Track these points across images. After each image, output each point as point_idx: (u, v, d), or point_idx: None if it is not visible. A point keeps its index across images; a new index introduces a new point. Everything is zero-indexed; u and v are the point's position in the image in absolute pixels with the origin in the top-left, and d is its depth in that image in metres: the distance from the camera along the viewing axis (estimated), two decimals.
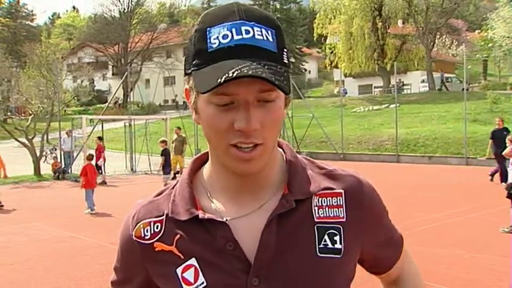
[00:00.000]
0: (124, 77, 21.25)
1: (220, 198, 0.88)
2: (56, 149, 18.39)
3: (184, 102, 37.47)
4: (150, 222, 0.91)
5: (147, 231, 0.90)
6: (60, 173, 15.81)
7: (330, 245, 0.85)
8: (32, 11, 55.13)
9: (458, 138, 17.93)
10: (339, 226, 0.87)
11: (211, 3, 45.62)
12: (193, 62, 0.80)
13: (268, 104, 0.79)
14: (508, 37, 28.78)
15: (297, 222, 0.85)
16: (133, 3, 44.46)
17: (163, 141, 12.38)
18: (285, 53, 0.81)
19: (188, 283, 0.85)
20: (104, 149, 15.37)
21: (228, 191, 0.88)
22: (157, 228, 0.90)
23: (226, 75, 0.73)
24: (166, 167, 11.69)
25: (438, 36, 37.47)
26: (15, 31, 48.10)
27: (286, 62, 0.81)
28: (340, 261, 0.86)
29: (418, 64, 34.74)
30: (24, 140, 15.82)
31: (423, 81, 34.17)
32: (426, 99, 27.85)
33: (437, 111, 23.54)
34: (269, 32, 0.79)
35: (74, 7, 75.07)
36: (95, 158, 14.62)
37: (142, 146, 18.20)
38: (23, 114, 21.52)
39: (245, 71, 0.73)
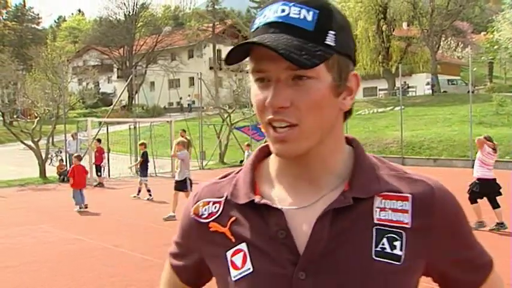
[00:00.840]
0: (129, 80, 21.33)
1: (279, 185, 0.88)
2: (61, 152, 18.47)
3: (189, 104, 37.66)
4: (209, 202, 0.92)
5: (205, 210, 0.92)
6: (66, 176, 15.85)
7: (388, 250, 0.80)
8: (38, 14, 55.54)
9: (464, 141, 17.86)
10: (401, 231, 0.81)
11: (215, 6, 45.70)
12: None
13: (302, 83, 0.78)
14: None
15: (354, 220, 0.82)
16: (138, 6, 44.65)
17: (143, 144, 12.26)
18: (330, 34, 0.79)
19: (236, 267, 0.85)
20: (104, 152, 15.41)
21: (286, 178, 0.87)
22: (215, 208, 0.91)
23: (236, 45, 0.77)
24: (144, 169, 11.57)
25: (443, 39, 37.38)
26: (21, 34, 48.43)
27: (332, 44, 0.79)
28: (399, 270, 0.80)
29: (423, 66, 34.67)
30: (30, 142, 15.91)
31: (428, 83, 34.10)
32: (431, 102, 27.77)
33: (442, 114, 23.47)
34: (310, 12, 0.79)
35: (79, 10, 75.39)
36: (94, 159, 14.69)
37: (147, 148, 18.25)
38: (28, 117, 21.61)
39: (254, 40, 0.76)
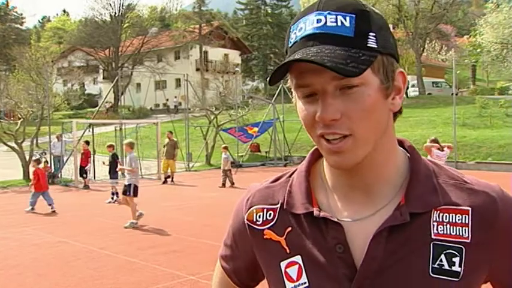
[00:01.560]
0: (115, 81, 21.15)
1: (335, 194, 0.86)
2: (45, 153, 18.23)
3: (175, 106, 37.51)
4: (263, 208, 0.90)
5: (259, 217, 0.90)
6: (50, 177, 15.68)
7: (447, 267, 0.78)
8: (21, 14, 54.84)
9: (448, 143, 18.10)
10: (461, 247, 0.78)
11: (202, 7, 45.61)
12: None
13: (351, 92, 0.75)
14: (496, 43, 29.15)
15: (411, 236, 0.79)
16: (124, 7, 44.33)
17: (110, 146, 12.14)
18: (371, 36, 0.77)
19: (291, 279, 0.84)
20: (91, 154, 15.27)
21: (342, 187, 0.85)
22: (269, 216, 0.89)
23: (279, 66, 0.75)
24: (113, 172, 11.45)
25: (428, 41, 37.88)
26: (4, 34, 47.68)
27: (374, 46, 0.76)
28: (457, 286, 0.77)
29: (408, 69, 35.08)
30: (13, 144, 15.68)
31: (413, 85, 34.50)
32: (416, 104, 28.11)
33: (427, 116, 23.77)
34: (347, 17, 0.76)
35: (64, 11, 74.60)
36: (80, 161, 14.53)
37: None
38: (12, 118, 21.31)
39: (297, 56, 0.74)
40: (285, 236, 0.86)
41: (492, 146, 17.37)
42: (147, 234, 7.78)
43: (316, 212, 0.83)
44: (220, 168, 14.17)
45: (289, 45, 0.80)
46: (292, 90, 0.81)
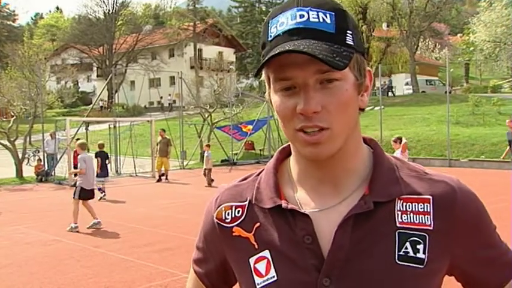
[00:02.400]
0: (109, 79, 21.05)
1: (302, 188, 0.87)
2: (39, 151, 18.14)
3: (169, 104, 37.39)
4: (232, 206, 0.92)
5: (228, 215, 0.91)
6: (44, 176, 15.61)
7: (412, 254, 0.80)
8: (13, 11, 54.61)
9: (442, 140, 18.20)
10: (424, 234, 0.81)
11: (196, 5, 45.48)
12: (261, 56, 0.82)
13: (331, 86, 0.78)
14: (489, 41, 29.32)
15: (376, 225, 0.81)
16: (118, 4, 44.13)
17: (100, 145, 12.01)
18: (349, 34, 0.80)
19: (260, 275, 0.84)
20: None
21: (309, 180, 0.87)
22: (238, 213, 0.90)
23: (270, 55, 0.75)
24: (102, 170, 11.23)
25: (422, 40, 38.05)
26: None
27: (351, 43, 0.80)
28: (422, 273, 0.80)
29: (402, 67, 35.19)
30: (6, 142, 15.57)
31: (407, 83, 34.62)
32: (410, 102, 28.22)
33: (421, 114, 23.86)
34: (327, 14, 0.79)
35: (57, 8, 74.06)
36: (73, 160, 14.42)
37: (127, 148, 18.07)
38: (4, 116, 21.15)
39: (287, 47, 0.74)
40: (253, 232, 0.87)
41: (485, 143, 17.48)
42: (141, 232, 7.75)
43: (284, 205, 0.85)
44: (215, 166, 14.12)
45: (269, 39, 0.81)
46: (270, 83, 0.82)
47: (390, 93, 32.36)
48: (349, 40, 0.80)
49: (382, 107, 21.63)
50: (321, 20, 0.78)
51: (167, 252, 6.34)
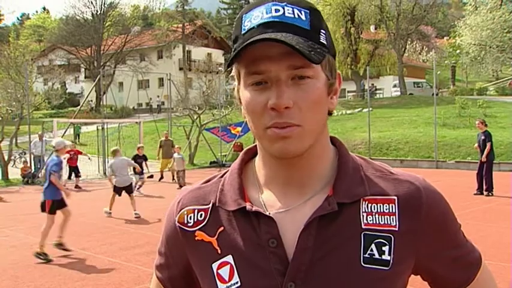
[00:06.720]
0: (97, 80, 20.91)
1: (268, 189, 0.85)
2: (25, 153, 17.92)
3: (158, 105, 37.21)
4: (194, 209, 0.89)
5: (190, 219, 0.88)
6: (30, 178, 15.43)
7: (377, 256, 0.79)
8: None
9: (429, 142, 18.37)
10: (390, 235, 0.80)
11: (185, 7, 45.36)
12: (233, 49, 0.81)
13: (303, 82, 0.77)
14: (474, 44, 29.71)
15: (341, 227, 0.80)
16: (106, 5, 43.83)
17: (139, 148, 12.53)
18: (322, 33, 0.80)
19: (223, 281, 0.82)
20: (80, 152, 15.09)
21: (275, 181, 0.85)
22: (201, 216, 0.87)
23: (245, 43, 0.74)
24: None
25: (409, 42, 38.41)
26: None
27: (325, 42, 0.80)
28: (388, 275, 0.79)
29: (390, 69, 35.48)
30: None
31: (395, 85, 34.91)
32: (398, 104, 28.45)
33: (408, 116, 24.07)
34: (302, 11, 0.78)
35: (44, 8, 73.34)
36: (68, 161, 14.31)
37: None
38: None
39: (263, 36, 0.73)
40: (216, 236, 0.85)
41: (471, 145, 17.63)
42: (129, 234, 7.70)
43: (248, 207, 0.82)
44: (203, 167, 14.11)
45: (242, 32, 0.79)
46: (240, 78, 0.81)
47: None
48: (323, 39, 0.80)
49: (371, 108, 21.80)
50: (296, 16, 0.78)
51: (155, 254, 6.22)
